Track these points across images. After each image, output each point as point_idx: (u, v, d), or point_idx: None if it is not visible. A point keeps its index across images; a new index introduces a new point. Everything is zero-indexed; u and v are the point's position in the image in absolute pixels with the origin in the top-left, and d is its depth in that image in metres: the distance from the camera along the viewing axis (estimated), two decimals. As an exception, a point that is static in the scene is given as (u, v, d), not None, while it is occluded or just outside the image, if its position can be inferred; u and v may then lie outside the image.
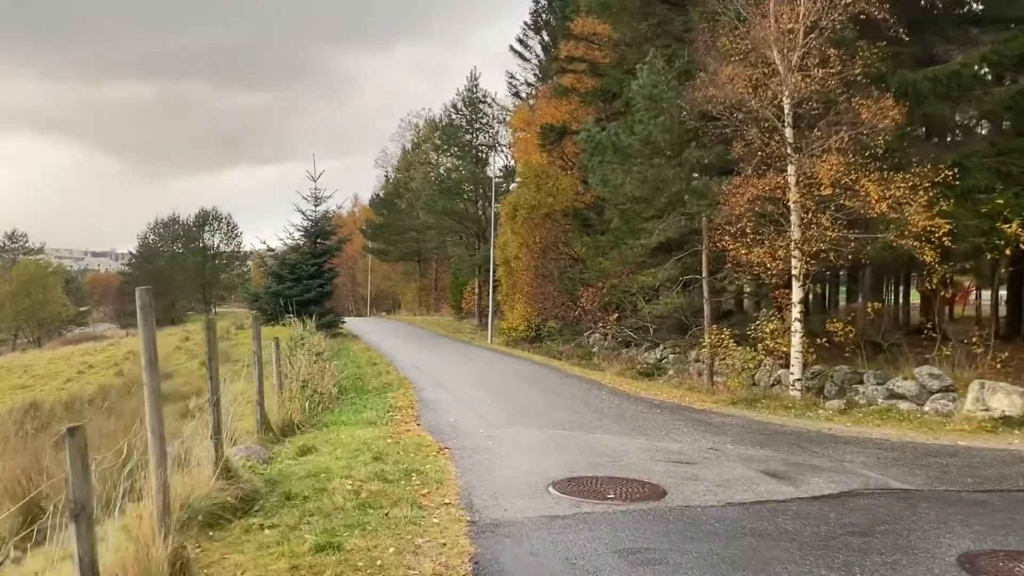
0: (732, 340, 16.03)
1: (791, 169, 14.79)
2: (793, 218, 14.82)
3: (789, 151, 14.75)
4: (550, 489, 6.98)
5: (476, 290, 42.86)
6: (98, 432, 14.80)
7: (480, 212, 44.57)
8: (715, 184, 15.99)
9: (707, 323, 17.72)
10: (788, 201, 14.86)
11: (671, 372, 19.66)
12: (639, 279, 19.13)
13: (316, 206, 32.60)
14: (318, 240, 33.04)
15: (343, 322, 33.54)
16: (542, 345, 28.49)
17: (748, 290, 21.76)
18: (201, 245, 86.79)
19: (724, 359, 16.54)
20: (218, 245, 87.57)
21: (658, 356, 21.08)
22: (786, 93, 14.77)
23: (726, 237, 15.24)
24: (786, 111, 14.85)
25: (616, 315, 23.50)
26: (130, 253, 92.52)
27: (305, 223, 32.69)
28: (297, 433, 10.02)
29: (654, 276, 18.44)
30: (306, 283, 31.33)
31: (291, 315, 30.75)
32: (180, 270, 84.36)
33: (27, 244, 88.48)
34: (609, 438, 9.73)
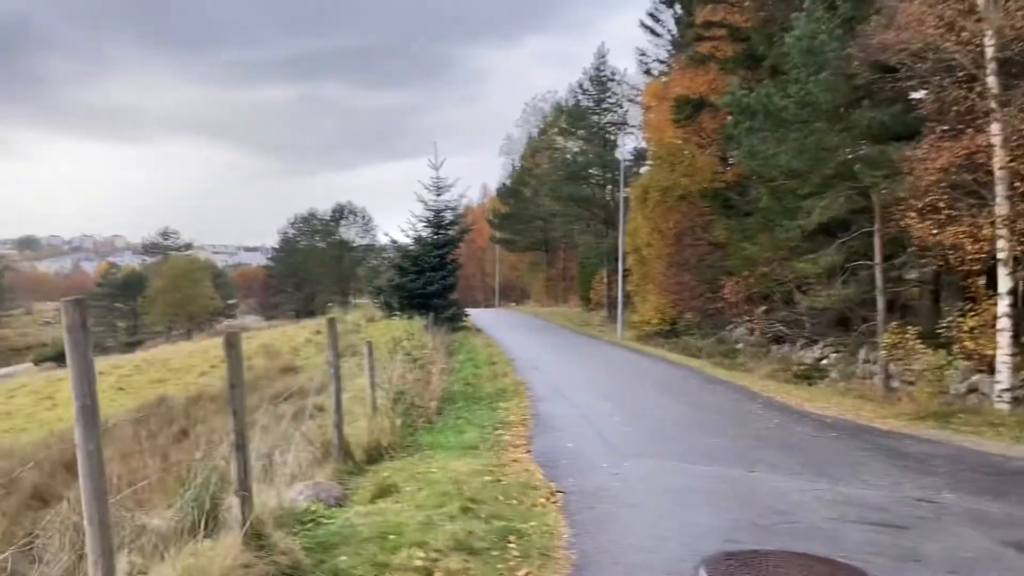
0: (917, 339, 13.13)
1: (996, 128, 11.82)
2: (999, 188, 11.87)
3: (993, 105, 11.77)
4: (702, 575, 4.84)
5: (605, 280, 40.60)
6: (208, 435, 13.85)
7: (608, 197, 42.22)
8: (893, 151, 13.12)
9: (880, 318, 14.83)
10: (993, 167, 11.91)
11: (833, 375, 16.80)
12: (797, 266, 16.33)
13: (438, 195, 31.32)
14: (440, 231, 31.76)
15: (467, 315, 32.14)
16: (678, 340, 25.94)
17: (913, 277, 18.35)
18: (338, 239, 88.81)
19: (905, 362, 13.64)
20: (354, 239, 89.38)
21: (817, 355, 18.21)
22: (988, 33, 11.77)
23: (910, 214, 12.41)
24: (988, 55, 11.86)
25: (764, 307, 20.74)
26: (272, 248, 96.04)
27: (427, 213, 31.49)
28: (385, 459, 8.31)
29: (814, 263, 15.61)
30: (428, 275, 30.11)
31: (413, 309, 29.82)
32: (318, 263, 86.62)
33: (178, 241, 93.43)
34: (776, 479, 7.40)
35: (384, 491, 6.84)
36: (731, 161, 26.50)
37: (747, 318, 21.96)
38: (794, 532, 5.73)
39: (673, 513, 6.25)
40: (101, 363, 38.21)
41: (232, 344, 4.81)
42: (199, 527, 4.94)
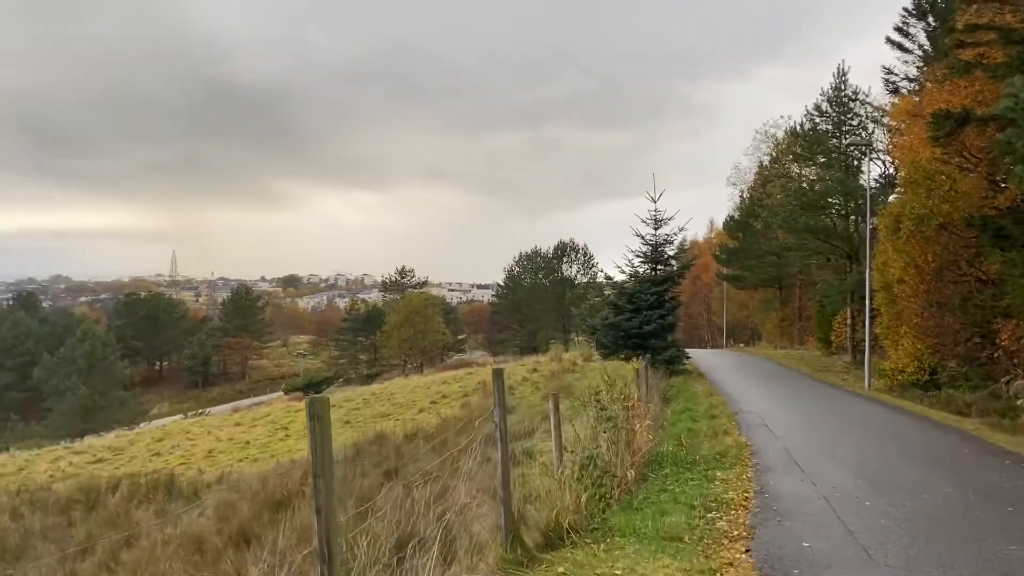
0: None
1: None
2: None
3: None
4: None
5: (848, 321, 36.34)
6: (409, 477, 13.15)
7: (852, 228, 38.02)
8: None
9: None
10: None
11: None
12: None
13: (656, 229, 29.53)
14: (658, 266, 29.89)
15: (687, 358, 29.83)
16: (939, 394, 21.96)
17: None
18: (560, 276, 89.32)
19: None
20: (575, 275, 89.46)
21: None
22: None
23: None
24: None
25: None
26: (497, 284, 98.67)
27: (644, 248, 29.78)
28: (565, 544, 6.75)
29: None
30: (645, 314, 28.30)
31: (628, 349, 28.09)
32: (540, 300, 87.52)
33: (414, 279, 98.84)
34: None
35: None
36: (1005, 183, 22.35)
37: (1033, 369, 17.90)
38: None
39: None
40: (335, 396, 40.25)
41: (315, 416, 3.54)
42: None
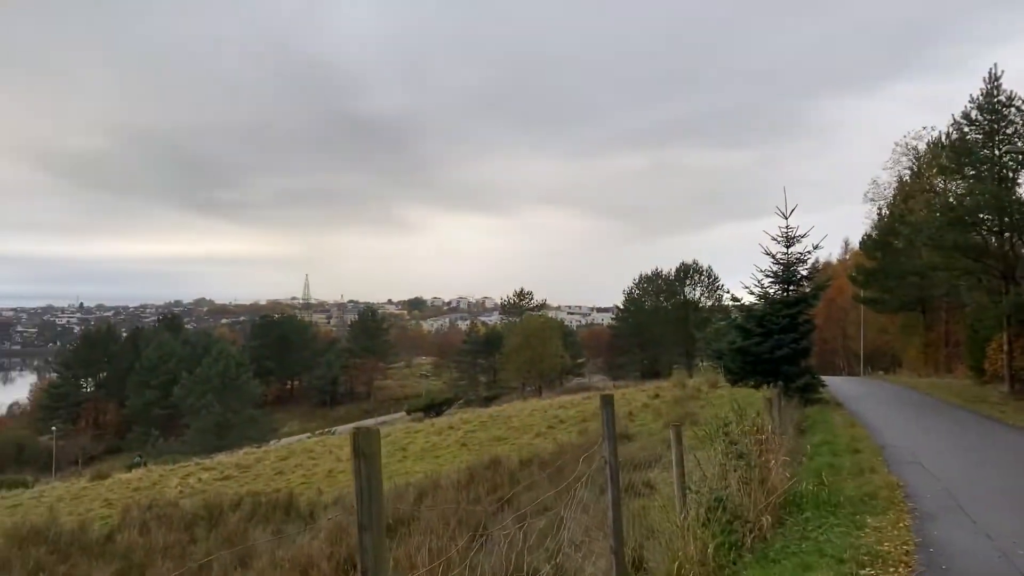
0: None
1: None
2: None
3: None
4: None
5: (1005, 347, 32.96)
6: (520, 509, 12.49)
7: (1007, 246, 34.58)
8: None
9: None
10: None
11: None
12: None
13: (787, 247, 27.69)
14: (790, 287, 28.00)
15: (823, 385, 27.75)
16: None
17: None
18: (682, 299, 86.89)
19: None
20: (699, 298, 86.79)
21: None
22: None
23: None
24: None
25: None
26: (617, 307, 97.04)
27: (775, 267, 27.97)
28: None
29: None
30: (777, 338, 26.50)
31: (757, 376, 26.40)
32: (661, 323, 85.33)
33: (532, 301, 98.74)
34: None
35: None
36: None
37: None
38: None
39: None
40: (454, 418, 40.22)
41: (364, 451, 2.84)
42: None
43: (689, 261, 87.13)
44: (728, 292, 29.65)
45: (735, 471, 7.61)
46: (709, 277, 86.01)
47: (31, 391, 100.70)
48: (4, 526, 19.40)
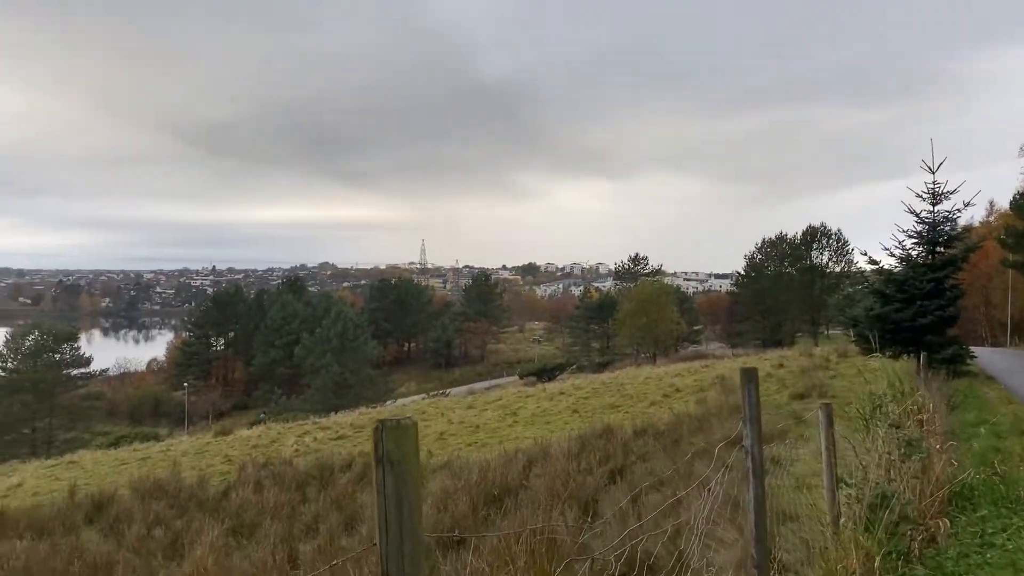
0: None
1: None
2: None
3: None
4: None
5: None
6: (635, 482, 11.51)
7: None
8: None
9: None
10: None
11: None
12: None
13: (933, 205, 24.95)
14: (936, 249, 25.30)
15: (973, 356, 25.09)
16: None
17: None
18: (808, 264, 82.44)
19: None
20: (827, 263, 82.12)
21: None
22: None
23: None
24: None
25: None
26: (737, 273, 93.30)
27: (919, 227, 25.30)
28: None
29: None
30: (920, 304, 24.03)
31: (897, 345, 24.11)
32: (785, 290, 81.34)
33: (648, 267, 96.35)
34: None
35: None
36: None
37: None
38: None
39: None
40: (566, 384, 39.40)
41: (391, 457, 1.98)
42: None
43: (817, 224, 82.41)
44: (865, 254, 26.93)
45: (902, 461, 6.25)
46: (839, 241, 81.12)
47: (167, 349, 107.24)
48: (132, 478, 20.02)
